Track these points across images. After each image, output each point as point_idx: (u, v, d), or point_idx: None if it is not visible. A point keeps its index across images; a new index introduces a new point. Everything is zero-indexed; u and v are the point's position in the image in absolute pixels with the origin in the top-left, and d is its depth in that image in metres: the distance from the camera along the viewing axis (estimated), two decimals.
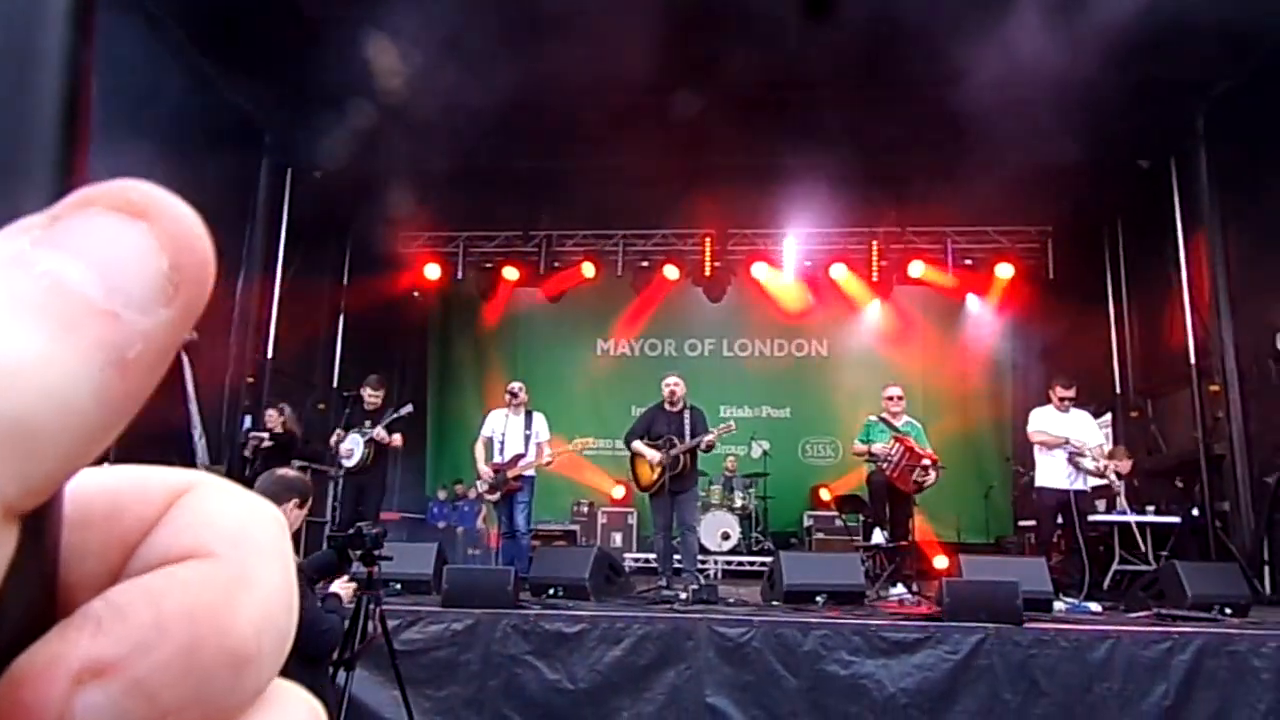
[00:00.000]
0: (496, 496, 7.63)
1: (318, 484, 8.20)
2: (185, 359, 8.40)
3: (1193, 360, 9.43)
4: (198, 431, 8.39)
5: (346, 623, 3.40)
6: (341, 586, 3.44)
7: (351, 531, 3.53)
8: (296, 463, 7.60)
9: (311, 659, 3.09)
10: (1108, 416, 11.04)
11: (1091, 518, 8.67)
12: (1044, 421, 7.29)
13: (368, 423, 7.72)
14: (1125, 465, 8.83)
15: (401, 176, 9.80)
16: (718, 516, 10.87)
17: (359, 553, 3.47)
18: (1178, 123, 9.15)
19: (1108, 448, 7.61)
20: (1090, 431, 7.33)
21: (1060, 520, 7.17)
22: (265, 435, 8.55)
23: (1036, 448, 7.26)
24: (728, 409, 12.49)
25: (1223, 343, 8.77)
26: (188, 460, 8.39)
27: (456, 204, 11.01)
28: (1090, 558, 8.33)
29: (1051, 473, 7.17)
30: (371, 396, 7.88)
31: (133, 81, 7.27)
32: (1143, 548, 8.09)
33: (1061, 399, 7.27)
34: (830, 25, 7.52)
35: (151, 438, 8.10)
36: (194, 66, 8.36)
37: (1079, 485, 7.11)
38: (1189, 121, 9.10)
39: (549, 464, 7.77)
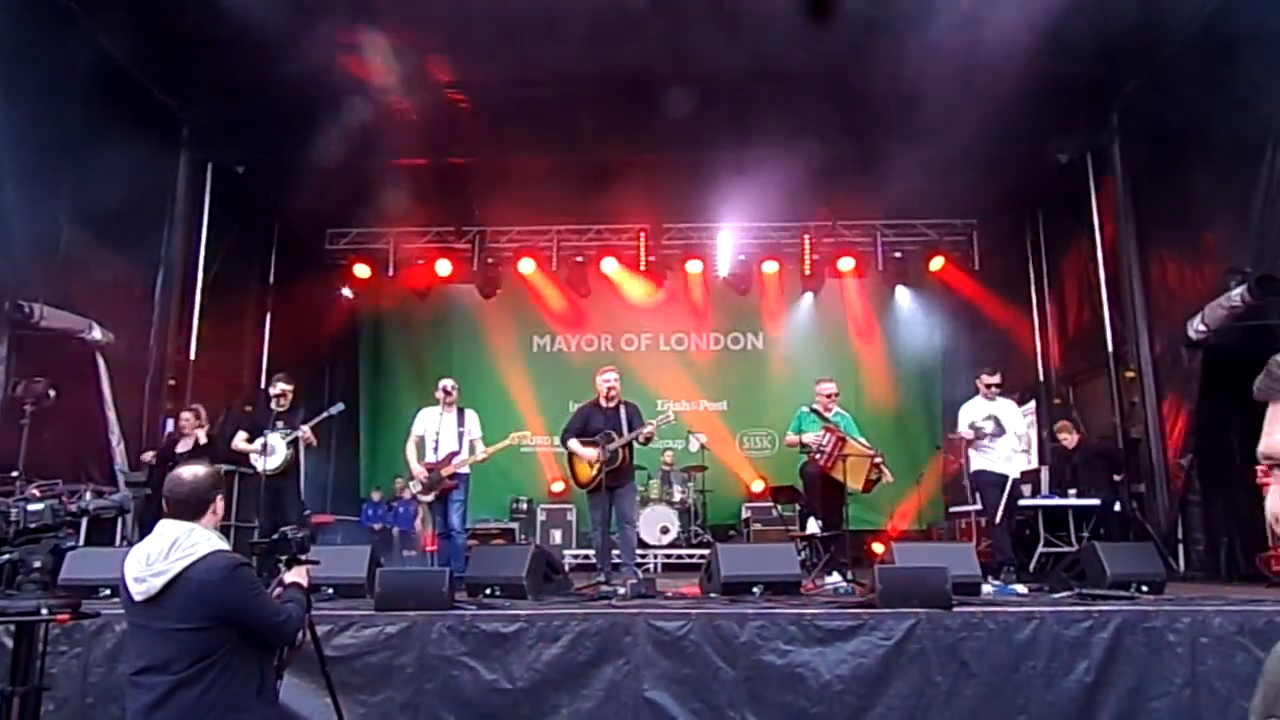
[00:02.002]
0: (431, 497, 7.50)
1: (249, 487, 7.98)
2: (102, 363, 8.10)
3: (1110, 348, 9.78)
4: (115, 437, 8.09)
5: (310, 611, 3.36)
6: (299, 574, 3.37)
7: (275, 536, 3.42)
8: (224, 466, 7.35)
9: (265, 646, 3.08)
10: (1031, 404, 11.39)
11: (1019, 502, 8.94)
12: (972, 412, 7.48)
13: (280, 423, 7.47)
14: (1072, 439, 9.10)
15: (329, 171, 9.55)
16: (657, 510, 10.89)
17: (284, 558, 3.37)
18: (1093, 117, 9.47)
19: (1032, 434, 7.84)
20: (1014, 419, 7.55)
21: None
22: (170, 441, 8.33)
23: (968, 435, 7.43)
24: (665, 403, 12.55)
25: (1138, 330, 9.10)
26: (106, 468, 8.09)
27: (387, 199, 10.80)
28: (1016, 541, 8.59)
29: (985, 458, 7.37)
30: (280, 396, 7.59)
31: (39, 70, 6.97)
32: (1065, 530, 8.36)
33: (989, 386, 7.47)
34: (761, 23, 7.59)
35: (69, 445, 7.81)
36: (105, 54, 8.02)
37: (1009, 471, 7.31)
38: (1104, 116, 9.43)
39: (484, 460, 7.66)
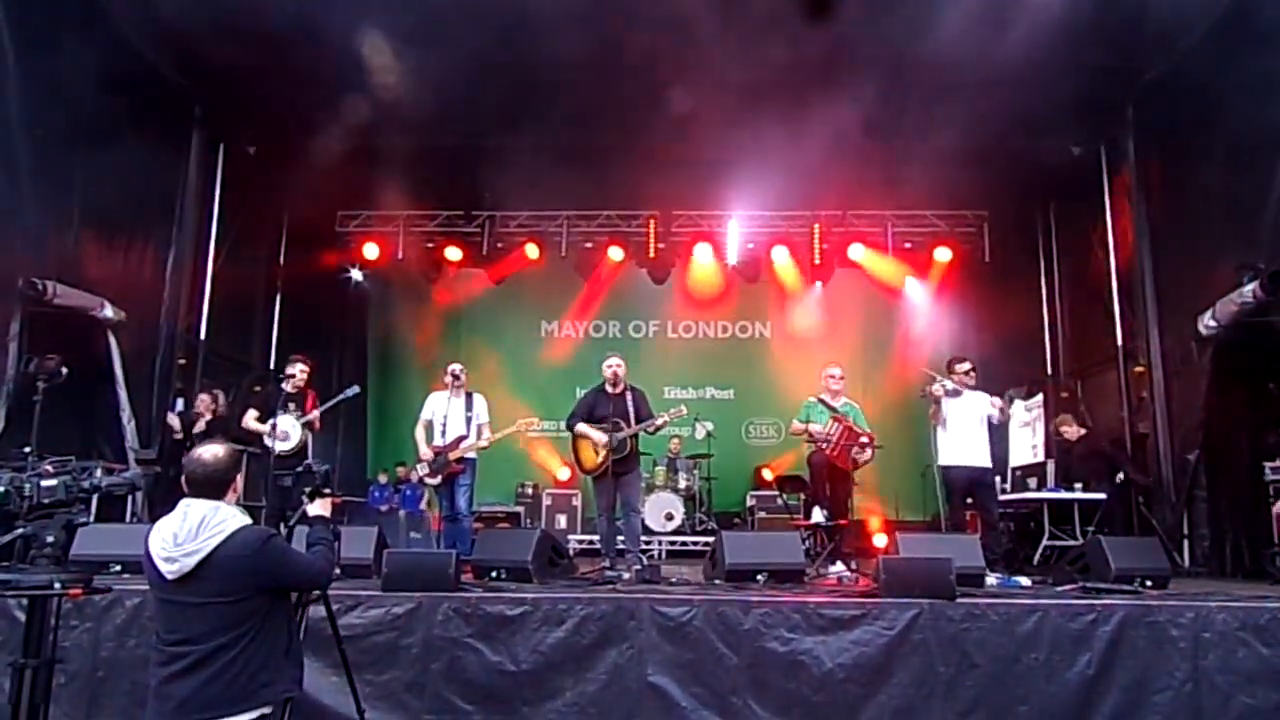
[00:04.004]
0: (438, 480, 7.55)
1: (258, 467, 8.04)
2: (113, 341, 8.14)
3: (1120, 342, 9.74)
4: (126, 414, 8.15)
5: (338, 542, 3.53)
6: (322, 506, 3.50)
7: (300, 469, 3.56)
8: (234, 446, 7.40)
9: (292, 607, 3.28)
10: (1039, 397, 11.36)
11: (1022, 495, 8.93)
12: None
13: (291, 404, 7.52)
14: (1074, 431, 9.08)
15: (339, 153, 9.55)
16: (662, 497, 10.94)
17: (308, 489, 3.49)
18: (1107, 110, 9.39)
19: (1039, 427, 7.79)
20: (986, 409, 7.49)
21: (970, 500, 7.35)
22: (178, 423, 8.37)
23: (936, 427, 7.40)
24: (672, 390, 12.59)
25: (1148, 325, 9.06)
26: (116, 445, 8.15)
27: (397, 182, 10.81)
28: (1021, 534, 8.58)
29: (951, 450, 7.32)
30: (294, 377, 7.66)
31: (54, 53, 6.97)
32: (1070, 524, 8.35)
33: (967, 373, 7.44)
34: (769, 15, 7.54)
35: (80, 422, 7.87)
36: (118, 35, 8.03)
37: (981, 462, 7.26)
38: (1118, 108, 9.35)
39: (486, 446, 7.68)
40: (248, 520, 3.08)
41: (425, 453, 7.56)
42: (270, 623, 3.02)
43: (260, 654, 2.96)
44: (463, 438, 7.54)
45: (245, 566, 2.93)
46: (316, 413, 7.54)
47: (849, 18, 7.26)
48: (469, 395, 7.73)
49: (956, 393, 7.32)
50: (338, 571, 5.66)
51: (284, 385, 7.59)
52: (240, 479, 3.21)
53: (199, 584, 2.91)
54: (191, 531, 2.93)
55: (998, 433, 7.84)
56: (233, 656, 2.90)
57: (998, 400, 7.52)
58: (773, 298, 13.56)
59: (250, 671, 2.92)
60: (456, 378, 7.71)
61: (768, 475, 12.41)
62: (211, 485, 3.07)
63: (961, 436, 7.29)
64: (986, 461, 7.34)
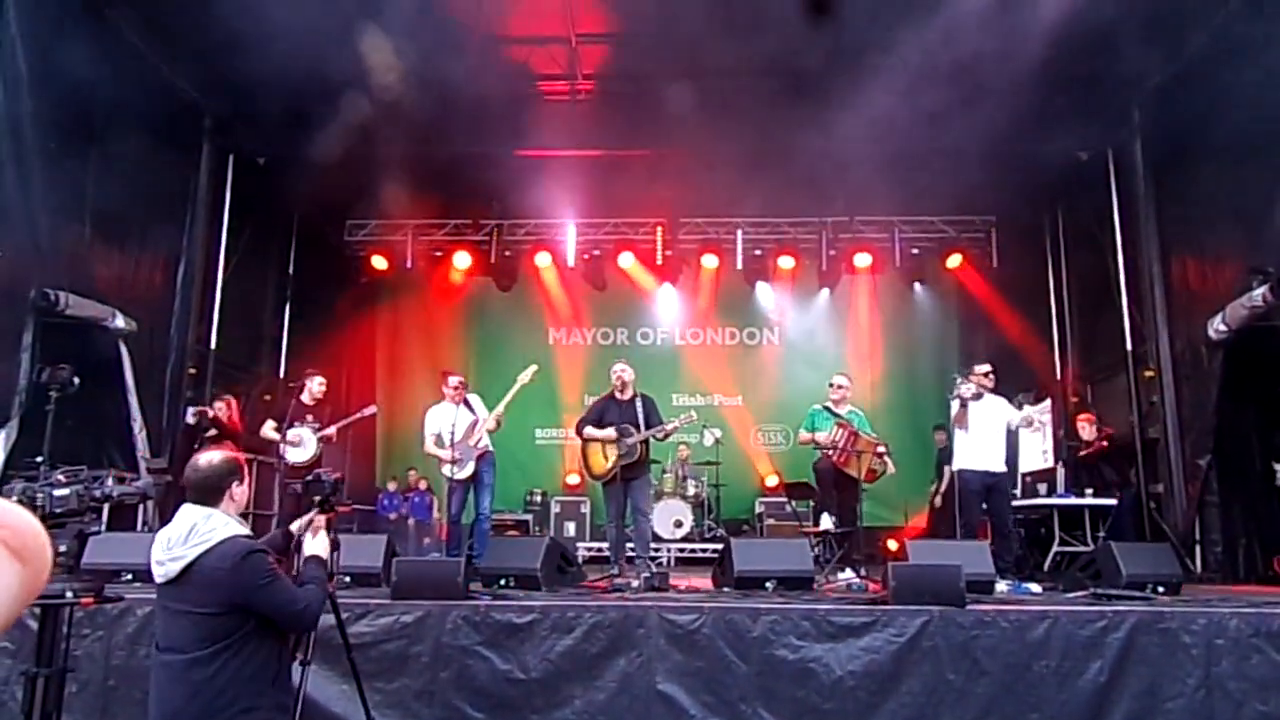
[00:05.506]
0: (470, 470, 7.48)
1: (268, 476, 8.10)
2: (124, 351, 8.19)
3: (1129, 346, 9.70)
4: (138, 424, 8.19)
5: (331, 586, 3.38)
6: (320, 546, 3.38)
7: (310, 477, 3.52)
8: (244, 455, 7.44)
9: (283, 634, 3.12)
10: (1047, 402, 11.31)
11: (1032, 501, 8.89)
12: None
13: (309, 416, 7.58)
14: (1090, 433, 9.05)
15: (348, 163, 9.61)
16: (671, 504, 10.92)
17: (318, 499, 3.45)
18: (1114, 115, 9.37)
19: (1048, 432, 7.74)
20: (1010, 415, 7.45)
21: (985, 505, 7.31)
22: (197, 422, 8.39)
23: (957, 430, 7.37)
24: (680, 397, 12.58)
25: (1157, 329, 9.02)
26: (127, 453, 8.19)
27: (405, 191, 10.85)
28: (1031, 540, 8.53)
29: (968, 454, 7.25)
30: (316, 392, 7.74)
31: (64, 62, 7.03)
32: (1081, 530, 8.32)
33: (986, 375, 7.41)
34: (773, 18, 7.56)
35: (92, 432, 7.90)
36: (130, 47, 8.10)
37: (997, 468, 7.22)
38: (1125, 113, 9.33)
39: (498, 426, 7.65)
40: (241, 531, 3.05)
41: (447, 454, 7.46)
42: (252, 645, 2.94)
43: (240, 676, 2.88)
44: (476, 422, 7.53)
45: (219, 579, 2.88)
46: (334, 428, 7.62)
47: (854, 21, 7.28)
48: (467, 402, 7.75)
49: (978, 396, 7.28)
50: (347, 578, 5.71)
51: (302, 398, 7.67)
52: (239, 488, 3.15)
53: (182, 590, 2.91)
54: (182, 537, 2.93)
55: (1010, 439, 7.79)
56: (210, 674, 2.84)
57: (1011, 405, 7.46)
58: (781, 304, 13.54)
59: (230, 695, 2.85)
60: (459, 388, 7.71)
61: (776, 482, 12.38)
62: (205, 491, 3.05)
63: (981, 441, 7.22)
64: (1002, 467, 7.28)
